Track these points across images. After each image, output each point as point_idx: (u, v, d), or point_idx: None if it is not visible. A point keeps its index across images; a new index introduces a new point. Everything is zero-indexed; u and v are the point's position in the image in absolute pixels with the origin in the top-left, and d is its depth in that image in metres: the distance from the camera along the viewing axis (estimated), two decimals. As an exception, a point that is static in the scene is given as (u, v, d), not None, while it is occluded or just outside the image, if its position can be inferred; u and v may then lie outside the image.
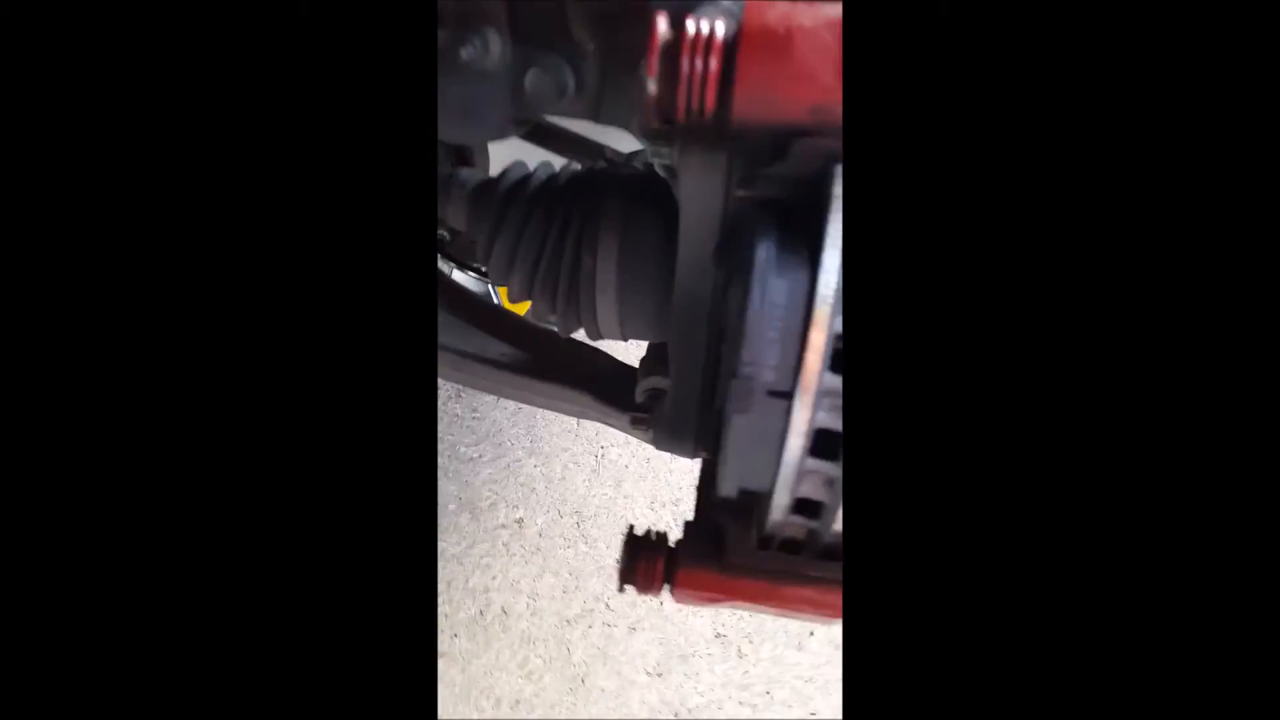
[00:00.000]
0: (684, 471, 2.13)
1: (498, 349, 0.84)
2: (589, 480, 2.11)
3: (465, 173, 0.76)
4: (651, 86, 0.43)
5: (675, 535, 0.64)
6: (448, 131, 0.59)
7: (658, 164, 0.54)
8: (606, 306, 0.69)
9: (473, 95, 0.56)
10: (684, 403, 0.68)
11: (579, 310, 0.71)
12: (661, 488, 2.10)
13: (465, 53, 0.53)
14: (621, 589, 0.61)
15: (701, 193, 0.50)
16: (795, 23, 0.36)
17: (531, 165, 0.76)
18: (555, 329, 0.79)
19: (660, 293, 0.66)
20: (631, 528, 0.65)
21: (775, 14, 0.37)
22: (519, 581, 1.84)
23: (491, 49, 0.54)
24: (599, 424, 0.89)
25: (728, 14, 0.39)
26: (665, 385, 0.79)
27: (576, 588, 1.88)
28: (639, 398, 0.84)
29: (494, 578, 1.85)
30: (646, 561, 0.60)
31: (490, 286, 1.70)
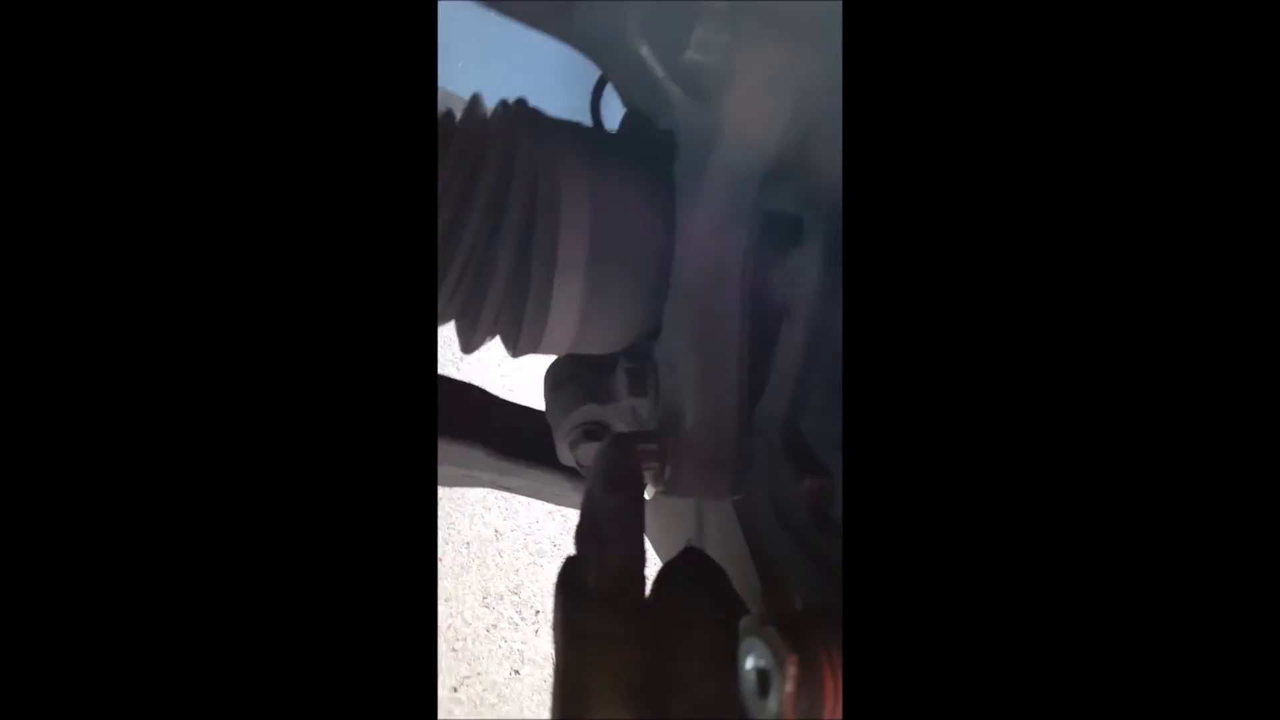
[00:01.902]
0: (516, 552, 1.71)
1: None
2: (393, 588, 1.63)
3: None
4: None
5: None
6: None
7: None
8: (567, 294, 0.44)
9: None
10: (723, 425, 0.45)
11: (522, 304, 0.45)
12: (493, 576, 1.66)
13: None
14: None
15: (758, 115, 0.38)
16: None
17: None
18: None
19: (646, 276, 0.45)
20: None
21: None
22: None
23: None
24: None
25: None
26: (603, 417, 0.55)
27: (408, 741, 1.38)
28: (567, 438, 0.52)
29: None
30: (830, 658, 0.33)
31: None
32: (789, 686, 0.30)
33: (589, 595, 0.36)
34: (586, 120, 0.48)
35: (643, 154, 0.45)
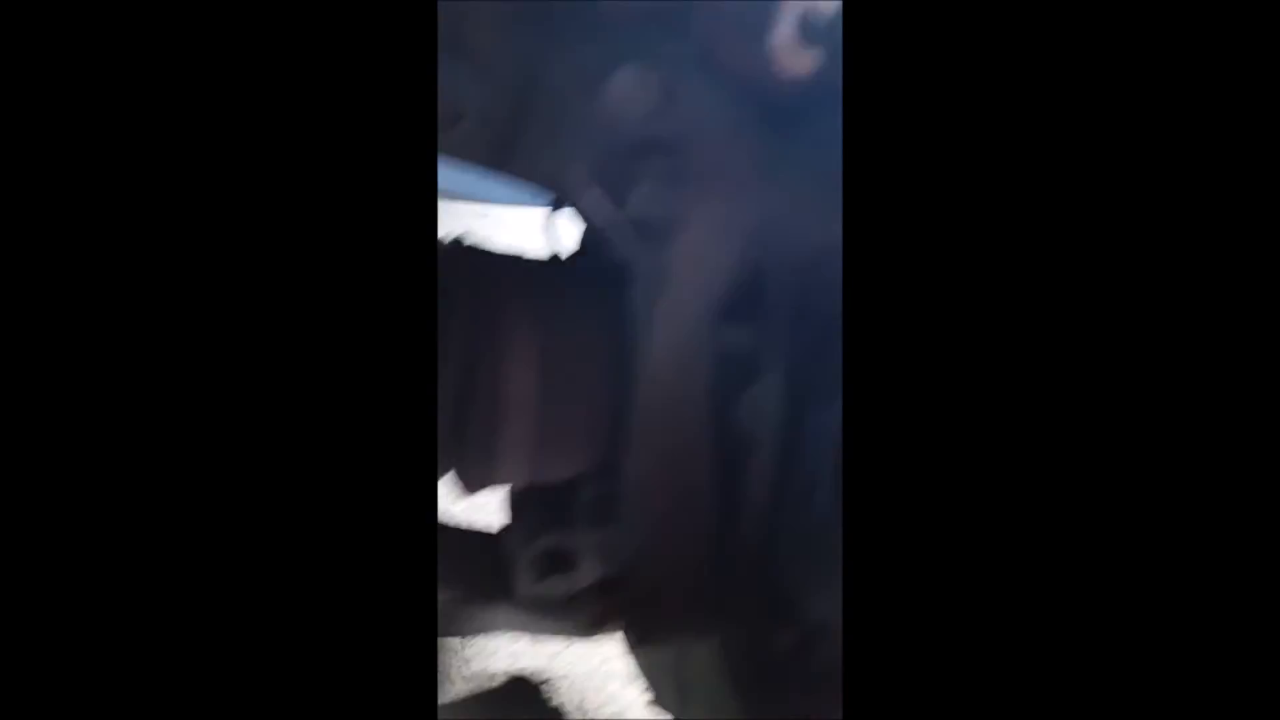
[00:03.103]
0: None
1: None
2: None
3: None
4: None
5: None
6: None
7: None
8: (518, 434, 0.43)
9: None
10: (694, 563, 0.43)
11: (466, 448, 0.44)
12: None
13: None
14: None
15: (708, 258, 0.38)
16: None
17: None
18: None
19: (602, 410, 0.44)
20: None
21: None
22: None
23: None
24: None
25: None
26: (567, 545, 0.51)
27: None
28: (529, 570, 0.49)
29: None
30: None
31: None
32: None
33: None
34: (538, 244, 0.48)
35: (597, 284, 0.43)
